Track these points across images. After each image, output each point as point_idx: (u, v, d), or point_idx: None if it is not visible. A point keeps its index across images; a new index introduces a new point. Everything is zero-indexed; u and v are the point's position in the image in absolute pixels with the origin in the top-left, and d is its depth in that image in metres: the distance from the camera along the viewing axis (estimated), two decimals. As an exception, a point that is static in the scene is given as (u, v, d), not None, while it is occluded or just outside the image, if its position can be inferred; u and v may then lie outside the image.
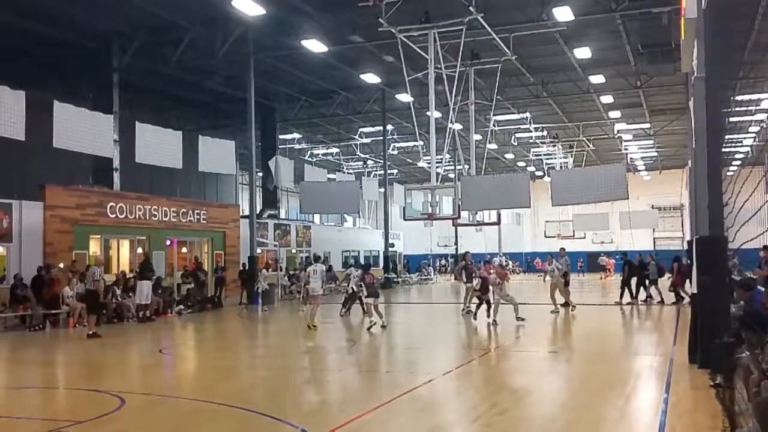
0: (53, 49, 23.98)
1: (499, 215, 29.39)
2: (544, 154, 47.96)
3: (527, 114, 37.06)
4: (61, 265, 19.97)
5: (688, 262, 24.06)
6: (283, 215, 41.81)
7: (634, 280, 23.93)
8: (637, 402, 9.18)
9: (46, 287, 19.02)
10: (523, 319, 17.76)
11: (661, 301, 22.77)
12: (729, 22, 10.17)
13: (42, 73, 24.86)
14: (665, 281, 24.19)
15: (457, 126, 26.92)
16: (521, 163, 53.17)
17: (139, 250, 24.38)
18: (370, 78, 28.49)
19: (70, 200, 21.30)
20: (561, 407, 8.81)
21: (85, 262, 21.19)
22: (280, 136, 39.17)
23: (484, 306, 18.86)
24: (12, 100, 16.48)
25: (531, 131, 40.46)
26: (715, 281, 9.79)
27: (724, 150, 10.87)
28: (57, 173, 22.80)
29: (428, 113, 21.66)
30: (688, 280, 20.11)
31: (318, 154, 48.47)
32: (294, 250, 36.12)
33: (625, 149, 47.86)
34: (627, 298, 23.62)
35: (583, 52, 26.02)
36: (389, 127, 38.76)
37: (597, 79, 30.05)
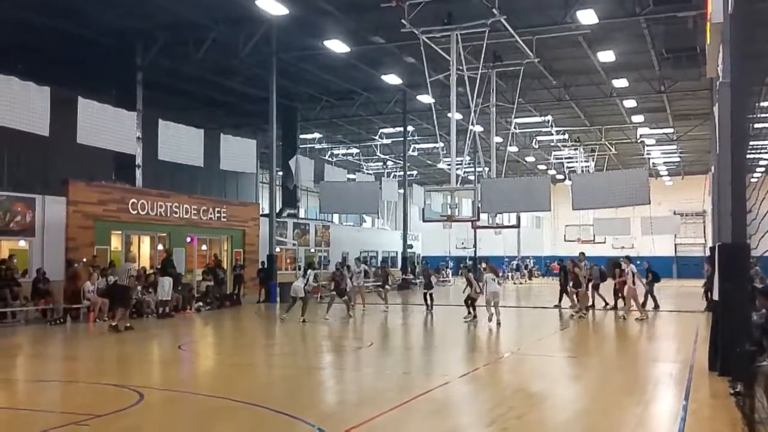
0: (78, 47, 24.21)
1: (518, 218, 29.24)
2: (566, 158, 47.67)
3: (549, 117, 36.87)
4: (84, 260, 20.19)
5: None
6: (302, 214, 41.95)
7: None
8: (656, 409, 9.11)
9: (67, 282, 19.23)
10: None
11: (592, 306, 22.52)
12: (755, 27, 10.06)
13: (67, 70, 25.12)
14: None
15: (478, 128, 26.84)
16: (542, 167, 52.90)
17: (160, 247, 24.57)
18: (392, 79, 28.50)
19: (93, 196, 21.52)
20: (578, 413, 8.75)
21: (106, 258, 21.41)
22: (301, 136, 39.29)
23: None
24: (37, 96, 16.68)
25: (552, 134, 40.25)
26: (737, 289, 9.69)
27: (748, 156, 10.75)
28: (80, 169, 23.02)
29: (449, 115, 21.62)
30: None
31: (338, 154, 48.56)
32: (313, 250, 36.23)
33: (648, 154, 47.46)
34: (567, 302, 23.48)
35: (606, 56, 25.85)
36: (410, 128, 38.75)
37: (620, 83, 29.84)
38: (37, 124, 16.63)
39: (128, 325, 17.24)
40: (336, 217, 47.48)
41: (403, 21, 19.66)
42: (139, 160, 24.81)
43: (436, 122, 24.02)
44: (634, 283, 20.12)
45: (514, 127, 35.57)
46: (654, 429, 8.15)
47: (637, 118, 37.36)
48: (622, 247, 53.26)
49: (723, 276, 10.08)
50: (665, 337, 17.79)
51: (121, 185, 23.55)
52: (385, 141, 43.77)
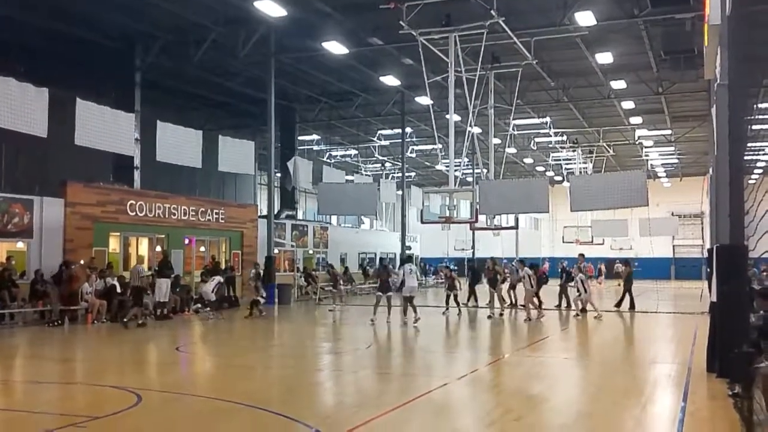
0: (77, 48, 24.21)
1: (516, 220, 29.25)
2: (564, 159, 47.70)
3: (547, 118, 36.90)
4: (82, 262, 20.16)
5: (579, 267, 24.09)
6: (300, 216, 41.91)
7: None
8: (654, 411, 9.11)
9: (65, 283, 19.21)
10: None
11: (513, 305, 23.39)
12: (753, 30, 10.09)
13: (65, 71, 25.07)
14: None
15: (476, 129, 26.84)
16: (540, 168, 52.94)
17: (158, 248, 24.54)
18: (390, 80, 28.51)
19: (91, 197, 21.48)
20: (577, 414, 8.76)
21: (104, 259, 21.39)
22: (299, 137, 39.28)
23: None
24: (35, 97, 16.64)
25: (551, 136, 40.28)
26: (734, 290, 9.70)
27: (746, 158, 10.77)
28: (78, 170, 22.99)
29: (447, 116, 21.63)
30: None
31: (336, 156, 48.56)
32: (311, 251, 36.19)
33: (646, 155, 47.52)
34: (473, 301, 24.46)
35: (604, 58, 25.87)
36: (408, 129, 38.77)
37: (618, 84, 29.88)
38: (35, 125, 16.59)
39: (140, 322, 18.62)
40: (334, 218, 47.47)
41: (401, 22, 19.67)
42: (137, 162, 24.80)
43: (434, 124, 24.04)
44: (531, 286, 20.78)
45: (513, 129, 35.57)
46: (653, 430, 8.15)
47: (635, 120, 37.40)
48: (621, 249, 53.46)
49: (721, 277, 10.09)
50: (663, 338, 17.80)
51: (120, 187, 23.52)
52: (384, 142, 43.78)
